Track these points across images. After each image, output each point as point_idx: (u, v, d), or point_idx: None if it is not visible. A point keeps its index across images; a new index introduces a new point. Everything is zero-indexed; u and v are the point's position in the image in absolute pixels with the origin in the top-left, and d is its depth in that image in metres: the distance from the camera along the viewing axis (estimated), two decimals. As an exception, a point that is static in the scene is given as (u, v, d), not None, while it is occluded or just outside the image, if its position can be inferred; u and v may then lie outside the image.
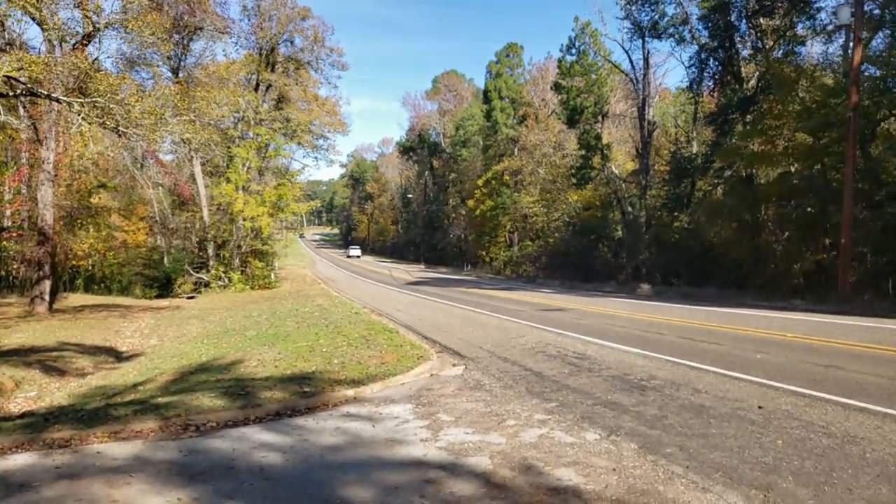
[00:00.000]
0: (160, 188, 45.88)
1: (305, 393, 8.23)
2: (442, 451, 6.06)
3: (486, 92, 60.57)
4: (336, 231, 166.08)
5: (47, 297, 24.84)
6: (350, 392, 8.40)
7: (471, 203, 58.67)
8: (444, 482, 5.29)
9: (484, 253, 57.19)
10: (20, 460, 5.73)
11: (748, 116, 27.75)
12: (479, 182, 56.52)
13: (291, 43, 38.86)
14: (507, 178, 52.21)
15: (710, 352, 11.08)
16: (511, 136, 54.14)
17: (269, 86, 37.89)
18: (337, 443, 6.42)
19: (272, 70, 37.08)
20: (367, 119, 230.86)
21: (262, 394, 8.16)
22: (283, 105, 38.15)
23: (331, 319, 15.54)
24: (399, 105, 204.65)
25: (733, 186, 28.85)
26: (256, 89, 37.34)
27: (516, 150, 52.71)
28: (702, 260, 28.66)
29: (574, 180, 38.77)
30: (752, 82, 29.04)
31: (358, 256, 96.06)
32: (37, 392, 11.51)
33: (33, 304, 24.69)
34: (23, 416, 10.04)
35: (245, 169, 35.38)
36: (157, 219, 45.11)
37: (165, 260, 44.50)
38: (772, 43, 28.55)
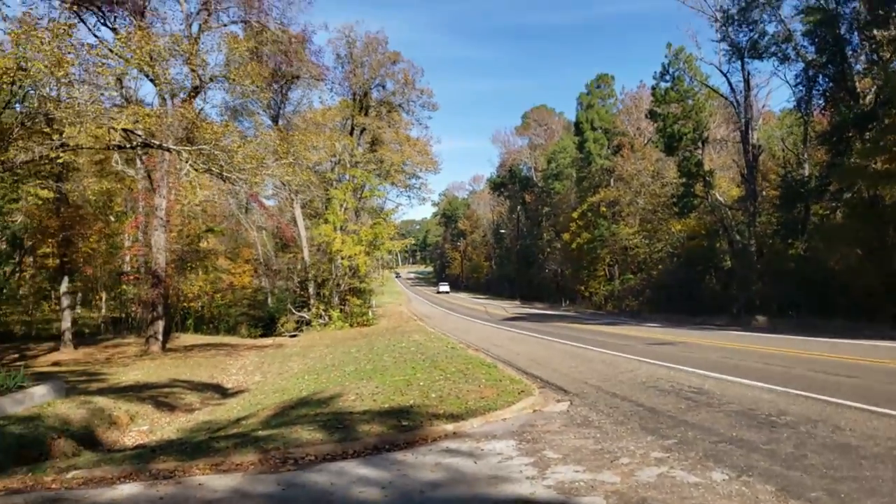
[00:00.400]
0: (263, 231, 47.99)
1: (404, 427, 7.94)
2: (551, 490, 5.56)
3: (577, 124, 59.87)
4: (430, 269, 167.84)
5: (160, 337, 26.17)
6: (449, 427, 8.02)
7: (566, 236, 57.52)
8: (557, 524, 4.81)
9: (582, 287, 55.59)
10: (126, 490, 5.72)
11: (867, 134, 25.64)
12: (575, 215, 55.39)
13: (383, 87, 40.11)
14: (604, 209, 50.93)
15: (846, 385, 9.93)
16: (606, 167, 52.96)
17: (364, 129, 39.09)
18: (437, 479, 6.05)
19: (366, 114, 38.26)
20: (458, 158, 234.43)
21: (360, 427, 7.94)
22: (376, 147, 39.19)
23: (427, 354, 15.31)
24: (489, 142, 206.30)
25: (854, 209, 26.60)
26: (351, 133, 38.60)
27: (612, 180, 51.45)
28: (823, 289, 26.39)
29: (676, 209, 37.16)
30: (870, 97, 26.91)
31: (447, 292, 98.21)
32: (149, 426, 11.89)
33: (148, 343, 26.09)
34: (136, 448, 10.35)
35: (342, 210, 36.39)
36: (261, 261, 47.07)
37: (269, 300, 46.23)
38: (889, 55, 26.46)
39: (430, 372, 11.99)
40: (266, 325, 41.13)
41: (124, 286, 35.70)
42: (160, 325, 26.13)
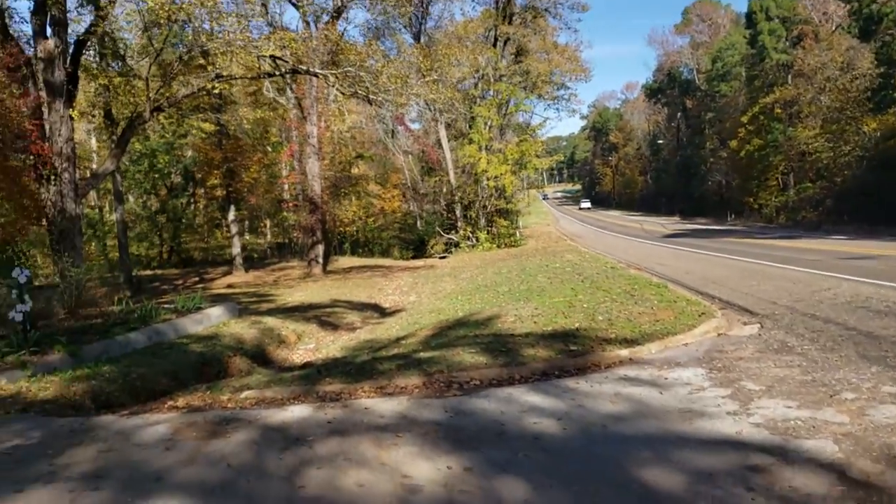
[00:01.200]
0: (410, 156, 48.46)
1: (572, 352, 7.29)
2: (762, 430, 4.69)
3: (749, 15, 53.41)
4: (578, 187, 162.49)
5: (321, 260, 27.42)
6: (623, 352, 7.27)
7: (733, 144, 52.58)
8: (777, 472, 3.98)
9: (751, 200, 50.90)
10: (296, 412, 5.61)
11: None
12: (744, 119, 50.18)
13: (527, -10, 37.71)
14: (779, 111, 45.57)
15: None
16: (783, 62, 46.98)
17: (507, 39, 37.25)
18: (619, 411, 5.37)
19: (509, 22, 36.31)
20: (609, 65, 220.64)
21: (524, 351, 7.41)
22: (521, 58, 37.34)
23: (585, 274, 14.47)
24: (644, 45, 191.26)
25: None
26: (495, 44, 36.97)
27: (790, 77, 45.67)
28: None
29: (870, 105, 32.22)
30: None
31: (588, 208, 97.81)
32: (314, 344, 12.25)
33: (310, 266, 27.47)
34: (304, 366, 10.67)
35: (487, 128, 35.50)
36: (409, 185, 47.80)
37: (418, 223, 47.16)
38: None
39: (592, 293, 11.20)
40: (416, 248, 42.12)
41: (285, 213, 37.73)
42: (320, 249, 27.33)
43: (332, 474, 4.28)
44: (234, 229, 30.01)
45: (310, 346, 12.17)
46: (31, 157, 15.55)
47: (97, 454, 4.74)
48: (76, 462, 4.59)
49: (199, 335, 10.49)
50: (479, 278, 18.94)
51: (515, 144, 35.77)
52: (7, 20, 16.43)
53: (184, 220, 38.60)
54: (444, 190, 41.61)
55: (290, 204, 35.71)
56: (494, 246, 34.43)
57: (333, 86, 19.99)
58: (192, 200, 40.54)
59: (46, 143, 15.57)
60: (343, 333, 13.46)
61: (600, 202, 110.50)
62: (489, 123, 35.85)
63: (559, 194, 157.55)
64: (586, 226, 59.62)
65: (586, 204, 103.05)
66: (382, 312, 16.60)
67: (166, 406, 6.17)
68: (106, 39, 21.15)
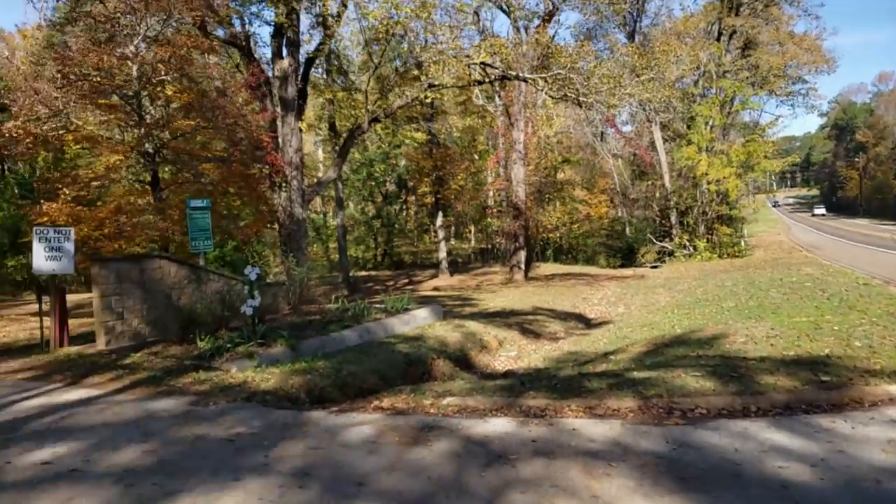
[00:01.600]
0: (619, 160, 46.70)
1: (824, 383, 6.09)
2: None
3: None
4: (814, 192, 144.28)
5: (523, 266, 27.25)
6: (893, 388, 5.90)
7: None
8: None
9: None
10: (499, 426, 5.26)
11: None
12: None
13: (760, -23, 34.28)
14: None
15: None
16: None
17: (733, 32, 34.20)
18: (897, 465, 4.25)
19: (736, 13, 33.28)
20: (857, 55, 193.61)
21: (760, 378, 6.34)
22: (749, 51, 34.03)
23: (830, 291, 12.47)
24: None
25: None
26: (718, 38, 34.14)
27: None
28: None
29: None
30: None
31: (823, 215, 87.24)
32: (516, 352, 11.95)
33: (511, 272, 27.43)
34: (505, 374, 10.40)
35: (707, 128, 32.88)
36: (618, 189, 46.06)
37: (627, 230, 45.22)
38: None
39: (843, 313, 9.51)
40: (624, 256, 40.39)
41: (489, 219, 38.29)
42: (522, 254, 27.19)
43: (537, 501, 3.84)
44: (440, 234, 31.04)
45: (511, 353, 11.88)
46: (267, 167, 17.27)
47: (306, 450, 4.78)
48: (287, 456, 4.66)
49: (406, 336, 10.69)
50: (699, 291, 17.36)
51: (741, 145, 32.65)
52: (252, 45, 18.47)
53: (396, 226, 40.98)
54: (658, 195, 39.40)
55: (494, 210, 36.13)
56: (715, 256, 31.72)
57: (542, 90, 19.70)
58: (404, 207, 42.97)
59: (279, 154, 17.20)
60: (545, 342, 13.01)
61: (843, 209, 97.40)
62: (710, 123, 33.17)
63: (791, 200, 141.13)
64: (824, 235, 52.78)
65: (820, 210, 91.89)
66: (587, 323, 15.87)
67: (372, 406, 6.18)
68: (332, 57, 23.01)
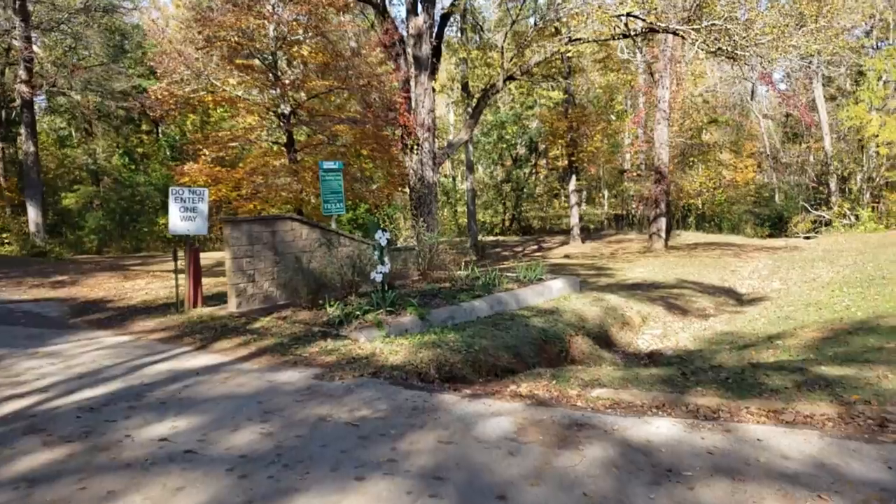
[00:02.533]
0: (769, 121, 42.43)
1: None
2: None
3: None
4: None
5: (663, 235, 25.40)
6: None
7: None
8: None
9: None
10: (664, 429, 4.37)
11: None
12: None
13: None
14: None
15: None
16: None
17: (918, -30, 29.58)
18: None
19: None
20: None
21: None
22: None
23: None
24: None
25: None
26: (900, -22, 29.67)
27: None
28: None
29: None
30: None
31: None
32: (661, 330, 10.80)
33: (651, 240, 25.66)
34: (651, 355, 9.37)
35: (880, 84, 28.82)
36: (768, 153, 41.95)
37: (776, 197, 41.27)
38: None
39: None
40: (773, 225, 36.89)
41: (626, 183, 36.27)
42: (662, 222, 25.34)
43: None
44: (573, 199, 29.67)
45: (656, 331, 10.75)
46: (399, 129, 16.90)
47: (437, 444, 4.16)
48: (416, 450, 4.07)
49: (540, 308, 9.89)
50: (869, 266, 15.15)
51: (924, 102, 28.36)
52: (387, 2, 18.01)
53: (525, 190, 39.88)
54: (813, 159, 35.37)
55: (633, 173, 34.03)
56: (881, 227, 28.04)
57: (694, 43, 17.77)
58: (533, 171, 41.68)
59: (411, 115, 16.75)
60: (693, 320, 11.72)
61: None
62: (884, 78, 29.02)
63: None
64: None
65: None
66: (739, 299, 14.27)
67: (508, 391, 5.48)
68: (466, 14, 22.15)
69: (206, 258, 18.61)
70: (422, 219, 15.21)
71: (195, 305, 9.54)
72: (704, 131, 33.46)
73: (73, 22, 24.98)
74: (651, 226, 25.88)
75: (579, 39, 16.27)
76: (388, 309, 8.28)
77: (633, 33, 18.13)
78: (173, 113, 15.82)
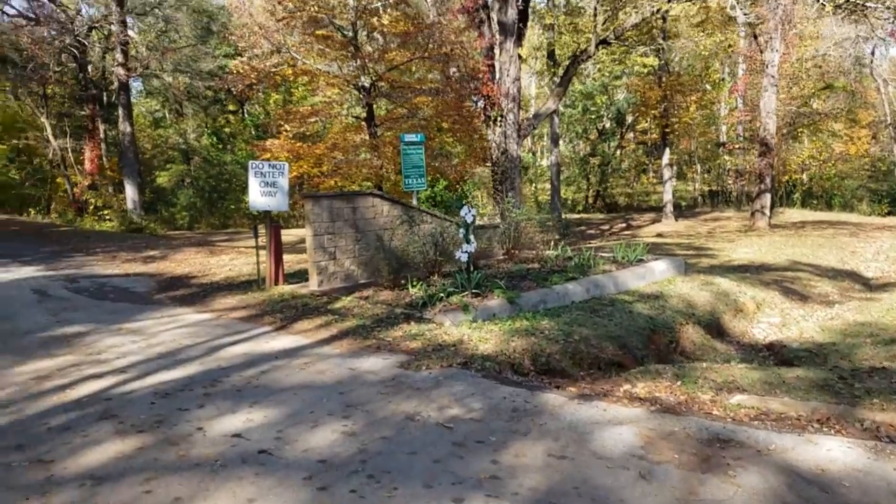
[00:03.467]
0: (889, 87, 38.63)
1: None
2: None
3: None
4: None
5: (767, 212, 23.53)
6: None
7: None
8: None
9: None
10: (837, 454, 3.45)
11: None
12: None
13: None
14: None
15: None
16: None
17: None
18: None
19: None
20: None
21: None
22: None
23: None
24: None
25: None
26: None
27: None
28: None
29: None
30: None
31: None
32: (780, 318, 9.64)
33: (753, 217, 23.81)
34: (770, 347, 8.30)
35: None
36: (889, 122, 38.26)
37: (896, 171, 37.73)
38: None
39: None
40: (893, 202, 33.68)
41: (724, 157, 34.03)
42: (767, 198, 23.43)
43: None
44: (666, 174, 27.99)
45: (773, 319, 9.60)
46: (482, 99, 16.08)
47: (547, 460, 3.46)
48: (523, 466, 3.38)
49: (642, 293, 8.96)
50: None
51: None
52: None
53: (611, 165, 38.18)
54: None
55: (734, 146, 31.78)
56: None
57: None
58: (620, 144, 39.83)
59: (495, 85, 15.90)
60: (816, 307, 10.45)
61: None
62: None
63: None
64: None
65: None
66: (867, 284, 12.76)
67: (622, 391, 4.71)
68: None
69: (288, 235, 18.54)
70: (507, 195, 14.43)
71: (276, 283, 9.20)
72: (814, 99, 30.73)
73: (165, 5, 25.49)
74: (754, 202, 24.01)
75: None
76: (474, 291, 7.62)
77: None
78: (255, 88, 15.68)
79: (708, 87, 33.23)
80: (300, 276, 9.99)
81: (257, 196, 8.83)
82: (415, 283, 8.09)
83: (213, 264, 12.87)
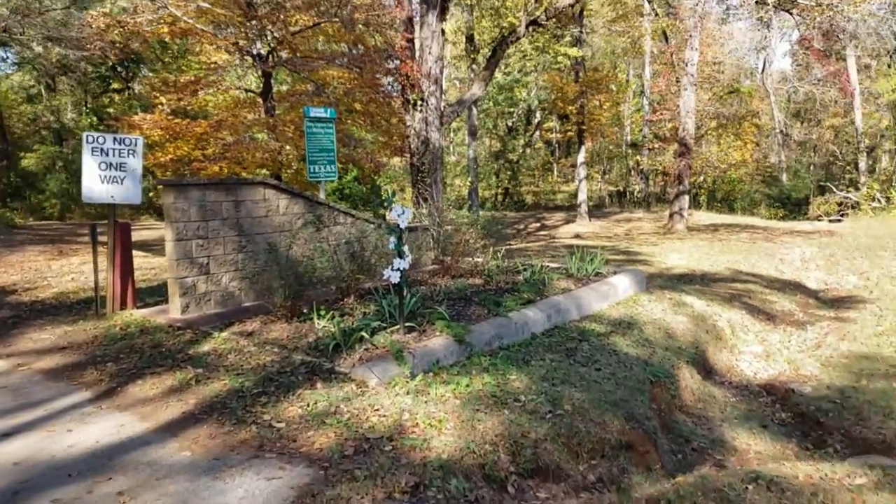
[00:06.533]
0: (772, 95, 39.70)
1: None
2: None
3: None
4: None
5: (685, 214, 22.80)
6: None
7: None
8: None
9: None
10: None
11: None
12: None
13: None
14: None
15: None
16: None
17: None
18: None
19: None
20: None
21: None
22: None
23: None
24: None
25: None
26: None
27: None
28: None
29: None
30: None
31: None
32: (760, 346, 8.09)
33: (672, 220, 23.01)
34: (769, 390, 6.67)
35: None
36: (778, 129, 39.36)
37: (783, 177, 38.86)
38: None
39: None
40: (783, 205, 34.48)
41: (636, 157, 33.56)
42: (685, 200, 22.69)
43: None
44: (581, 173, 26.86)
45: (754, 348, 8.04)
46: (401, 78, 13.88)
47: None
48: None
49: (611, 318, 7.11)
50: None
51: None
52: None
53: (522, 162, 37.00)
54: (833, 136, 32.85)
55: (652, 145, 31.23)
56: (917, 211, 25.70)
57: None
58: (528, 142, 38.76)
59: (415, 64, 13.74)
60: (788, 329, 9.05)
61: None
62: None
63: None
64: None
65: None
66: (817, 298, 11.65)
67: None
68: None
69: (152, 230, 15.55)
70: (429, 190, 12.33)
71: (123, 306, 6.59)
72: (724, 102, 30.65)
73: None
74: (672, 204, 23.21)
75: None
76: (408, 325, 5.45)
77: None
78: (117, 47, 12.56)
79: (612, 87, 32.55)
80: (161, 292, 7.39)
81: (95, 182, 6.17)
82: (322, 312, 5.79)
83: (52, 271, 9.89)
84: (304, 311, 5.97)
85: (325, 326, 5.53)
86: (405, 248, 5.39)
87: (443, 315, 5.72)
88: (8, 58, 31.02)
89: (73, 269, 10.06)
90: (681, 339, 7.04)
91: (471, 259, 8.49)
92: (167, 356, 5.07)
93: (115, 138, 6.25)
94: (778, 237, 20.63)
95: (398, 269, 5.32)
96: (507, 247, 16.85)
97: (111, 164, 6.25)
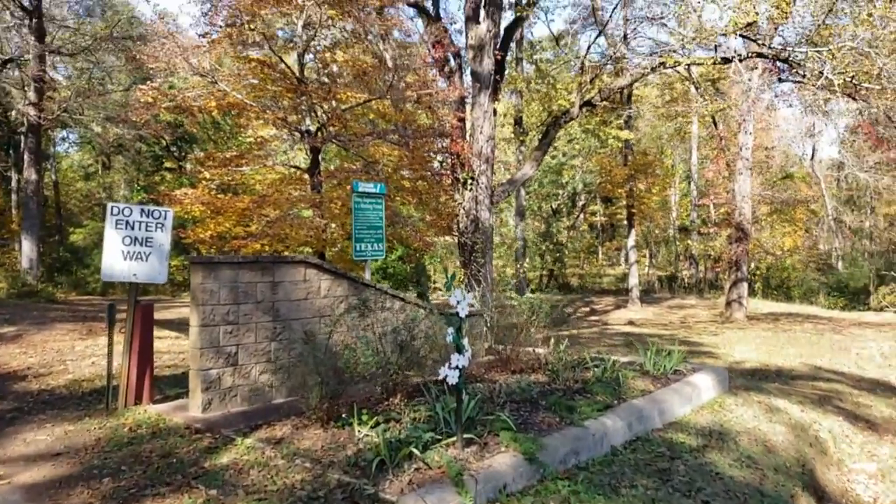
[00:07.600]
0: (821, 182, 38.62)
1: None
2: None
3: None
4: None
5: (745, 303, 21.50)
6: None
7: None
8: None
9: None
10: None
11: None
12: None
13: None
14: None
15: None
16: None
17: None
18: None
19: None
20: None
21: None
22: None
23: None
24: None
25: None
26: None
27: None
28: None
29: None
30: None
31: None
32: (873, 463, 6.85)
33: (730, 308, 21.73)
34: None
35: None
36: (830, 215, 37.98)
37: (840, 264, 37.18)
38: None
39: None
40: (843, 294, 32.67)
41: (687, 241, 32.49)
42: (744, 287, 21.48)
43: None
44: (632, 256, 25.86)
45: (866, 465, 6.81)
46: (450, 157, 13.46)
47: None
48: None
49: (700, 427, 6.05)
50: None
51: None
52: (440, 7, 14.80)
53: (568, 244, 36.26)
54: (889, 224, 31.29)
55: (707, 230, 30.24)
56: None
57: (813, 75, 14.01)
58: (573, 224, 38.18)
59: (466, 143, 13.33)
60: (894, 439, 7.77)
61: None
62: None
63: None
64: None
65: None
66: (918, 403, 10.27)
67: None
68: (523, 41, 18.92)
69: (176, 311, 15.04)
70: (478, 271, 11.57)
71: (139, 400, 5.83)
72: (777, 187, 29.71)
73: (98, 48, 22.09)
74: (730, 291, 21.96)
75: (676, 64, 12.84)
76: (467, 437, 4.54)
77: (739, 56, 14.64)
78: (162, 122, 12.44)
79: (658, 171, 32.02)
80: (185, 382, 6.62)
81: (116, 258, 5.57)
82: (364, 416, 4.93)
83: (75, 353, 9.28)
84: (343, 413, 5.10)
85: (367, 435, 4.65)
86: (465, 340, 4.55)
87: (507, 424, 4.79)
88: (68, 137, 32.30)
89: (96, 352, 9.44)
90: (783, 455, 5.91)
91: (531, 350, 7.57)
92: (177, 470, 4.23)
93: (142, 210, 5.69)
94: (846, 328, 19.12)
95: (457, 367, 4.46)
96: (558, 333, 15.86)
97: (136, 238, 5.66)
